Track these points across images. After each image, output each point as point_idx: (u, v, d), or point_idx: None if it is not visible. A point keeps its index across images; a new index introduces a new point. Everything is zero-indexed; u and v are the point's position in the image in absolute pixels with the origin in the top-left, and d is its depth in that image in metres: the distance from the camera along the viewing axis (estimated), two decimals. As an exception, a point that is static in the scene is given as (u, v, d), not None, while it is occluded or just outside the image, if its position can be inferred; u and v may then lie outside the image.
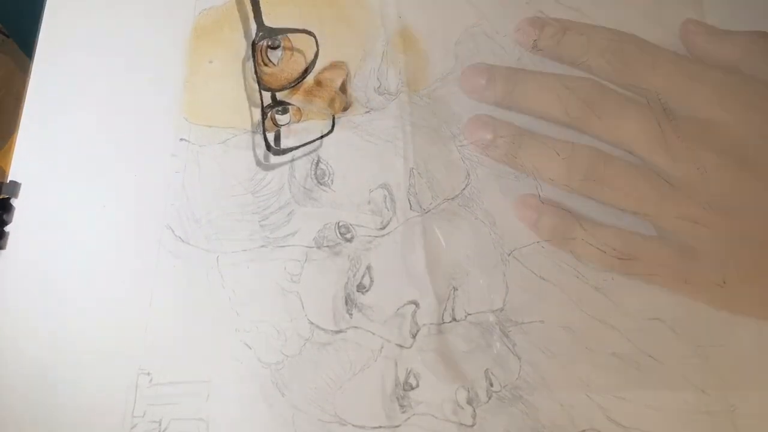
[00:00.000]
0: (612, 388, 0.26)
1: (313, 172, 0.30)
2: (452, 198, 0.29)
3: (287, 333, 0.28)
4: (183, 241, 0.29)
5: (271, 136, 0.31)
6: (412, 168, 0.30)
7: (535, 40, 0.30)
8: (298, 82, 0.31)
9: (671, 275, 0.27)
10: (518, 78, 0.29)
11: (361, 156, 0.30)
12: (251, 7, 0.33)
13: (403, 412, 0.26)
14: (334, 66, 0.32)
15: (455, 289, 0.28)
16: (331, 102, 0.31)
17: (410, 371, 0.27)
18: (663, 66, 0.29)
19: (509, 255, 0.28)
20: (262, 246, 0.29)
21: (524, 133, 0.29)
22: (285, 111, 0.31)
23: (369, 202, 0.29)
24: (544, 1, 0.32)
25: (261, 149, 0.30)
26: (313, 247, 0.29)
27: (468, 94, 0.30)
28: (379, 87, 0.31)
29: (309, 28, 0.32)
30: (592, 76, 0.29)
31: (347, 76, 0.32)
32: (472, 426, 0.26)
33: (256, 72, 0.32)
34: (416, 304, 0.28)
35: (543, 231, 0.28)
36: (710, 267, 0.27)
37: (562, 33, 0.30)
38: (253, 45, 0.32)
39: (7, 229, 0.30)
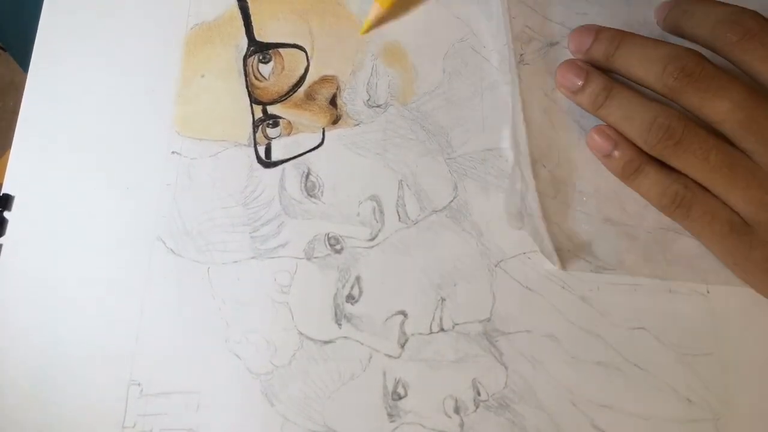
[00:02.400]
0: (598, 397, 0.27)
1: (303, 185, 0.30)
2: (440, 210, 0.30)
3: (277, 343, 0.28)
4: (174, 253, 0.29)
5: (261, 149, 0.31)
6: (401, 180, 0.30)
7: (666, 15, 0.30)
8: (289, 96, 0.32)
9: (718, 242, 0.27)
10: (624, 39, 0.29)
11: (350, 168, 0.31)
12: (243, 23, 0.33)
13: (392, 422, 0.27)
14: (324, 80, 0.32)
15: (443, 299, 0.28)
16: (322, 115, 0.32)
17: (399, 381, 0.27)
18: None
19: (496, 266, 0.29)
20: (253, 257, 0.29)
21: (616, 84, 0.29)
22: (276, 124, 0.31)
23: (358, 214, 0.30)
24: (530, 16, 0.33)
25: (252, 162, 0.31)
26: (302, 259, 0.29)
27: (574, 53, 0.31)
28: (368, 100, 0.32)
29: (300, 43, 0.33)
30: (699, 48, 0.28)
31: (337, 89, 0.32)
32: (460, 435, 0.26)
33: (247, 86, 0.32)
34: (405, 314, 0.28)
35: (614, 163, 0.29)
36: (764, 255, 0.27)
37: (687, 5, 0.29)
38: (245, 59, 0.33)
39: None
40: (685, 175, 0.28)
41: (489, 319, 0.28)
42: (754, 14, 0.27)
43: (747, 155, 0.27)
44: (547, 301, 0.28)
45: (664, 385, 0.27)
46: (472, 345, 0.27)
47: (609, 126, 0.29)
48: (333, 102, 0.32)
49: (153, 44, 0.33)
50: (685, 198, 0.27)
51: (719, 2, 0.28)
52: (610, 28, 0.30)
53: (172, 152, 0.31)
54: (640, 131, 0.28)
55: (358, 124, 0.31)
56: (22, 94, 0.33)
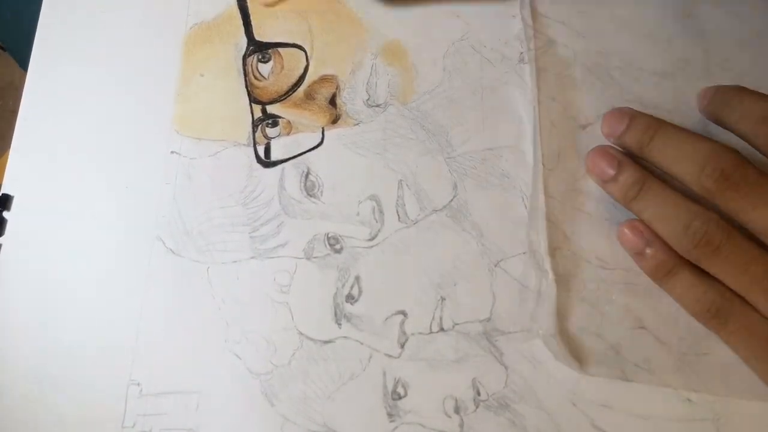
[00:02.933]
0: (598, 396, 0.27)
1: (302, 184, 0.30)
2: (440, 209, 0.30)
3: (277, 343, 0.28)
4: (174, 252, 0.29)
5: (261, 149, 0.31)
6: (401, 180, 0.30)
7: (707, 103, 0.29)
8: (288, 96, 0.32)
9: (756, 358, 0.26)
10: (659, 129, 0.27)
11: (350, 168, 0.31)
12: (242, 22, 0.33)
13: (392, 422, 0.27)
14: (323, 79, 0.32)
15: (443, 299, 0.28)
16: (321, 115, 0.32)
17: (398, 380, 0.27)
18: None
19: (496, 265, 0.29)
20: (252, 257, 0.29)
21: (649, 177, 0.27)
22: (275, 124, 0.31)
23: (358, 214, 0.30)
24: (530, 15, 0.33)
25: (251, 162, 0.31)
26: (302, 258, 0.29)
27: (606, 137, 0.29)
28: (368, 100, 0.32)
29: (299, 43, 0.33)
30: (737, 147, 0.26)
31: (337, 89, 0.32)
32: (460, 435, 0.26)
33: (246, 85, 0.32)
34: (404, 314, 0.28)
35: (646, 262, 0.27)
36: None
37: (731, 96, 0.28)
38: (244, 59, 0.33)
39: (-1, 241, 0.30)
40: (722, 282, 0.26)
41: (489, 319, 0.28)
42: None
43: None
44: (546, 300, 0.28)
45: (665, 385, 0.27)
46: (472, 345, 0.27)
47: (641, 222, 0.28)
48: (332, 101, 0.32)
49: (152, 43, 0.33)
50: (722, 308, 0.26)
51: (763, 96, 0.27)
52: (645, 115, 0.28)
53: (172, 152, 0.31)
54: (675, 233, 0.26)
55: (357, 124, 0.31)
56: (21, 94, 0.33)
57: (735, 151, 0.26)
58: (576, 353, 0.27)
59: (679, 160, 0.26)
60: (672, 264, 0.27)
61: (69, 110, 0.32)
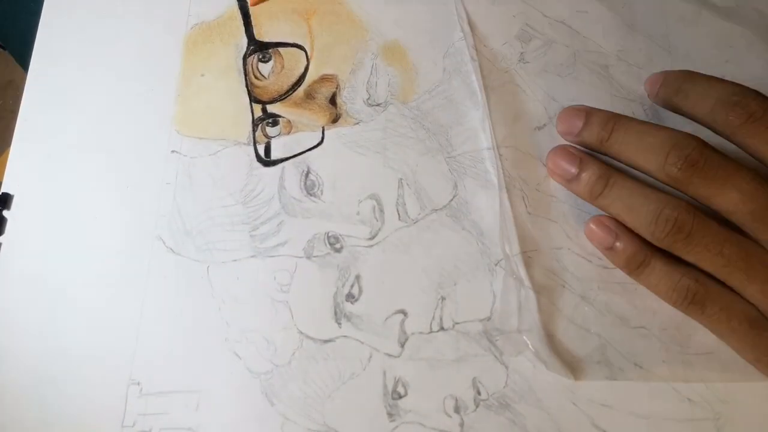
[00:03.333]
0: (598, 396, 0.26)
1: (302, 183, 0.30)
2: (440, 209, 0.30)
3: (277, 342, 0.28)
4: (174, 252, 0.29)
5: (261, 148, 0.31)
6: (401, 179, 0.30)
7: (657, 90, 0.29)
8: (289, 95, 0.32)
9: (738, 339, 0.26)
10: (617, 123, 0.27)
11: (350, 167, 0.30)
12: (242, 22, 0.33)
13: (392, 421, 0.27)
14: (324, 79, 0.32)
15: (443, 298, 0.28)
16: (321, 114, 0.32)
17: (398, 380, 0.27)
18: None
19: (496, 265, 0.29)
20: (252, 256, 0.29)
21: (613, 172, 0.27)
22: (275, 123, 0.31)
23: (358, 213, 0.30)
24: (530, 15, 0.33)
25: (251, 161, 0.31)
26: (302, 257, 0.29)
27: (563, 135, 0.29)
28: (368, 99, 0.32)
29: (299, 42, 0.33)
30: (697, 133, 0.26)
31: (337, 88, 0.32)
32: (460, 434, 0.26)
33: (247, 85, 0.32)
34: (405, 313, 0.28)
35: (616, 257, 0.27)
36: None
37: (683, 81, 0.28)
38: (244, 59, 0.33)
39: (-1, 240, 0.30)
40: (695, 267, 0.26)
41: (489, 318, 0.28)
42: (757, 95, 0.26)
43: (761, 246, 0.25)
44: (548, 300, 0.28)
45: (665, 385, 0.27)
46: (472, 344, 0.27)
47: (608, 217, 0.28)
48: (333, 101, 0.32)
49: (153, 43, 0.33)
50: (698, 293, 0.26)
51: (716, 79, 0.27)
52: (600, 111, 0.28)
53: (172, 151, 0.31)
54: (645, 223, 0.26)
55: (357, 123, 0.31)
56: (21, 93, 0.33)
57: (696, 138, 0.26)
58: (567, 361, 0.27)
59: (642, 151, 0.26)
60: (643, 255, 0.27)
61: (69, 110, 0.32)
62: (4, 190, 0.31)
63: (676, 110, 0.29)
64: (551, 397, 0.26)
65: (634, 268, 0.27)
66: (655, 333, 0.27)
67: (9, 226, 0.30)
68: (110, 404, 0.27)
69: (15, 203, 0.31)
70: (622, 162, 0.28)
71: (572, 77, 0.32)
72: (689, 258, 0.26)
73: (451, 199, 0.30)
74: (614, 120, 0.28)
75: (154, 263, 0.29)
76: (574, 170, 0.28)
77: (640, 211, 0.26)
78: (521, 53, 0.32)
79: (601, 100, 0.31)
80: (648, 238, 0.26)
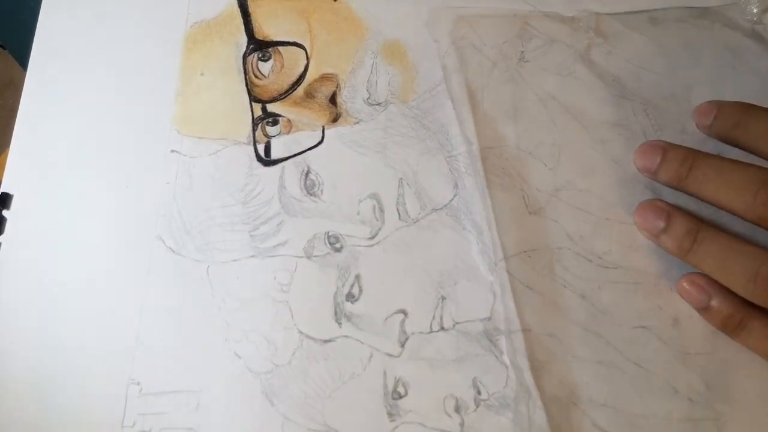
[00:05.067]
0: (598, 396, 0.26)
1: (302, 183, 0.30)
2: (440, 208, 0.30)
3: (277, 342, 0.28)
4: (174, 251, 0.29)
5: (261, 148, 0.31)
6: (401, 178, 0.30)
7: (712, 123, 0.28)
8: (289, 94, 0.32)
9: None
10: (696, 161, 0.26)
11: (350, 166, 0.30)
12: (242, 20, 0.33)
13: (392, 421, 0.26)
14: (324, 78, 0.32)
15: (443, 298, 0.28)
16: (321, 113, 0.31)
17: (399, 380, 0.27)
18: None
19: (496, 265, 0.28)
20: (252, 256, 0.29)
21: (702, 226, 0.26)
22: (275, 122, 0.31)
23: (358, 213, 0.30)
24: (530, 14, 0.33)
25: (251, 160, 0.31)
26: (302, 257, 0.29)
27: (642, 172, 0.29)
28: (368, 98, 0.32)
29: (299, 41, 0.33)
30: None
31: (337, 87, 0.32)
32: (460, 434, 0.26)
33: (246, 84, 0.32)
34: (405, 313, 0.28)
35: (713, 316, 0.26)
36: None
37: (741, 114, 0.27)
38: (244, 57, 0.32)
39: (-1, 240, 0.30)
40: None
41: (489, 318, 0.28)
42: None
43: None
44: (548, 299, 0.28)
45: (665, 384, 0.27)
46: (473, 344, 0.27)
47: (700, 274, 0.26)
48: (333, 100, 0.32)
49: (152, 42, 0.33)
50: None
51: None
52: (678, 147, 0.27)
53: (172, 151, 0.31)
54: (742, 284, 0.24)
55: (358, 122, 0.31)
56: (21, 92, 0.33)
57: None
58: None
59: (726, 191, 0.25)
60: (741, 315, 0.25)
61: (69, 109, 0.32)
62: (4, 190, 0.31)
63: (734, 143, 0.28)
64: (551, 397, 0.26)
65: (732, 329, 0.26)
66: (655, 332, 0.27)
67: (9, 226, 0.30)
68: (110, 404, 0.27)
69: (15, 203, 0.31)
70: (705, 201, 0.27)
71: (573, 77, 0.31)
72: None
73: (452, 199, 0.30)
74: (693, 156, 0.27)
75: (154, 263, 0.29)
76: (661, 224, 0.27)
77: (735, 270, 0.25)
78: (521, 52, 0.32)
79: (602, 98, 0.31)
80: (746, 297, 0.25)
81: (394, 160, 0.30)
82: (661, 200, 0.28)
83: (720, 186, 0.26)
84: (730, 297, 0.26)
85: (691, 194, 0.27)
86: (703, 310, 0.27)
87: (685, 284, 0.27)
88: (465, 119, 0.30)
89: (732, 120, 0.27)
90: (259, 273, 0.29)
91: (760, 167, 0.25)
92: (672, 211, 0.27)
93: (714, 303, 0.26)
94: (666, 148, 0.28)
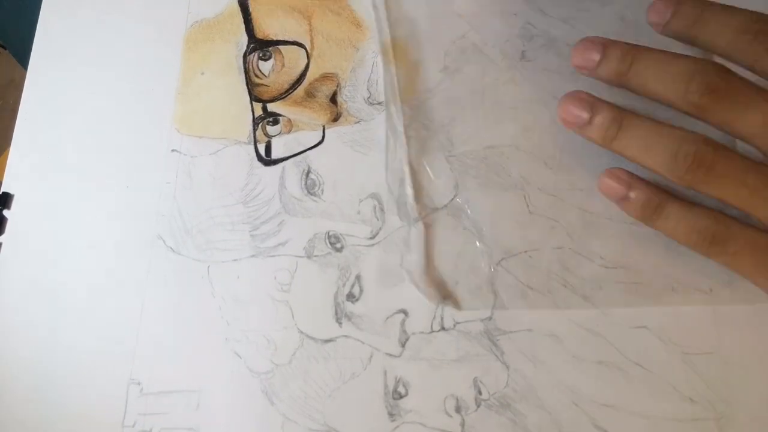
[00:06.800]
0: (599, 396, 0.26)
1: (303, 183, 0.30)
2: (441, 208, 0.30)
3: (277, 342, 0.28)
4: (174, 251, 0.29)
5: (261, 147, 0.31)
6: (402, 178, 0.30)
7: (668, 21, 0.27)
8: (289, 94, 0.32)
9: (766, 274, 0.25)
10: (636, 55, 0.26)
11: (351, 166, 0.30)
12: (243, 20, 0.33)
13: (393, 421, 0.26)
14: (324, 77, 0.32)
15: (444, 298, 0.28)
16: (322, 113, 0.31)
17: (399, 379, 0.27)
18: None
19: (497, 264, 0.28)
20: (253, 256, 0.29)
21: (626, 114, 0.26)
22: (276, 122, 0.31)
23: (359, 212, 0.30)
24: (531, 13, 0.33)
25: (252, 160, 0.31)
26: (303, 257, 0.29)
27: (578, 70, 0.28)
28: (369, 98, 0.32)
29: (300, 40, 0.33)
30: (719, 60, 0.26)
31: (338, 87, 0.32)
32: (461, 434, 0.26)
33: (247, 83, 0.32)
34: (405, 313, 0.28)
35: (632, 206, 0.27)
36: None
37: (700, 11, 0.27)
38: (245, 57, 0.32)
39: (-1, 240, 0.30)
40: (710, 209, 0.26)
41: (490, 318, 0.28)
42: None
43: None
44: (549, 299, 0.28)
45: (666, 385, 0.26)
46: (473, 344, 0.27)
47: (620, 168, 0.27)
48: (333, 99, 0.32)
49: (152, 42, 0.33)
50: (718, 233, 0.25)
51: (734, 9, 0.26)
52: (618, 42, 0.27)
53: (172, 150, 0.31)
54: (664, 161, 0.25)
55: (358, 122, 0.31)
56: (21, 92, 0.33)
57: (718, 64, 0.25)
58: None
59: (663, 81, 0.26)
60: (658, 200, 0.26)
61: (69, 109, 0.32)
62: (4, 189, 0.31)
63: (692, 43, 0.27)
64: (552, 397, 0.26)
65: (650, 214, 0.26)
66: (655, 332, 0.27)
67: (9, 226, 0.30)
68: (111, 404, 0.27)
69: (15, 203, 0.31)
70: (641, 95, 0.27)
71: (573, 76, 0.31)
72: (711, 191, 0.25)
73: (453, 198, 0.30)
74: (633, 52, 0.27)
75: (155, 263, 0.29)
76: (585, 115, 0.27)
77: (658, 150, 0.25)
78: (522, 51, 0.32)
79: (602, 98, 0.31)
80: (668, 176, 0.25)
81: (394, 159, 0.30)
82: (584, 92, 0.28)
83: (658, 78, 0.26)
84: (646, 185, 0.26)
85: (631, 90, 0.27)
86: (623, 201, 0.27)
87: (605, 179, 0.27)
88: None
89: (691, 18, 0.27)
90: (259, 273, 0.29)
91: (696, 58, 0.25)
92: (595, 101, 0.27)
93: (632, 193, 0.26)
94: (606, 44, 0.27)
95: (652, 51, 0.27)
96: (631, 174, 0.27)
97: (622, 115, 0.27)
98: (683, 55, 0.26)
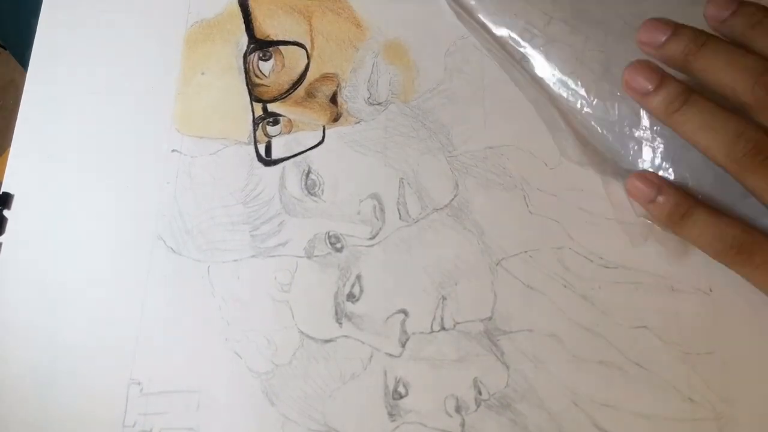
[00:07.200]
0: (600, 396, 0.26)
1: (303, 183, 0.30)
2: (441, 208, 0.30)
3: (277, 342, 0.28)
4: (174, 251, 0.29)
5: (262, 147, 0.31)
6: (402, 178, 0.30)
7: (726, 19, 0.27)
8: (289, 94, 0.32)
9: None
10: (709, 39, 0.26)
11: (351, 166, 0.30)
12: (243, 20, 0.33)
13: (393, 421, 0.26)
14: (324, 77, 0.32)
15: (444, 298, 0.28)
16: (322, 113, 0.31)
17: (399, 380, 0.27)
18: None
19: (497, 264, 0.28)
20: (253, 256, 0.29)
21: (694, 92, 0.26)
22: (276, 122, 0.31)
23: (359, 212, 0.30)
24: (531, 13, 0.33)
25: (252, 160, 0.31)
26: (303, 257, 0.29)
27: (643, 46, 0.28)
28: (369, 98, 0.32)
29: (300, 41, 0.33)
30: None
31: (338, 87, 0.32)
32: (461, 434, 0.26)
33: (247, 84, 0.32)
34: (406, 313, 0.28)
35: (659, 209, 0.27)
36: None
37: (762, 16, 0.26)
38: (245, 57, 0.32)
39: (-1, 240, 0.30)
40: (738, 219, 0.26)
41: (490, 318, 0.28)
42: None
43: None
44: (549, 299, 0.28)
45: (666, 384, 0.26)
46: (474, 344, 0.27)
47: (650, 172, 0.27)
48: (333, 100, 0.32)
49: (153, 42, 0.33)
50: (745, 243, 0.25)
51: None
52: (691, 26, 0.27)
53: (172, 150, 0.31)
54: (724, 141, 0.25)
55: (358, 122, 0.31)
56: (21, 93, 0.33)
57: None
58: None
59: (733, 70, 0.25)
60: (686, 206, 0.26)
61: (69, 109, 0.32)
62: (4, 189, 0.31)
63: (746, 45, 0.27)
64: (552, 397, 0.26)
65: (677, 219, 0.26)
66: (655, 332, 0.27)
67: (9, 226, 0.30)
68: (111, 404, 0.27)
69: (15, 203, 0.31)
70: (704, 81, 0.26)
71: (573, 76, 0.31)
72: (756, 184, 0.25)
73: (452, 199, 0.30)
74: (706, 36, 0.26)
75: (155, 263, 0.29)
76: (650, 86, 0.27)
77: (719, 130, 0.25)
78: (522, 51, 0.32)
79: (602, 98, 0.31)
80: (722, 157, 0.25)
81: (394, 159, 0.30)
82: (654, 62, 0.28)
83: (726, 66, 0.25)
84: (676, 190, 0.27)
85: (694, 73, 0.27)
86: (650, 204, 0.27)
87: (634, 180, 0.27)
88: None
89: (753, 20, 0.27)
90: (259, 273, 0.29)
91: (765, 57, 0.25)
92: (665, 73, 0.27)
93: (661, 198, 0.26)
94: (676, 25, 0.27)
95: (724, 41, 0.26)
96: (661, 177, 0.27)
97: (689, 91, 0.26)
98: (753, 51, 0.26)
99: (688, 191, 0.27)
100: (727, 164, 0.25)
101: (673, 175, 0.28)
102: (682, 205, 0.26)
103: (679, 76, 0.27)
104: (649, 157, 0.28)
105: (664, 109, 0.27)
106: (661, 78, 0.27)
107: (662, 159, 0.28)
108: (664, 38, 0.27)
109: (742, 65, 0.25)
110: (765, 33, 0.26)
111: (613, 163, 0.29)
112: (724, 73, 0.26)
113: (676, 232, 0.27)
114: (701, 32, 0.27)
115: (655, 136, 0.29)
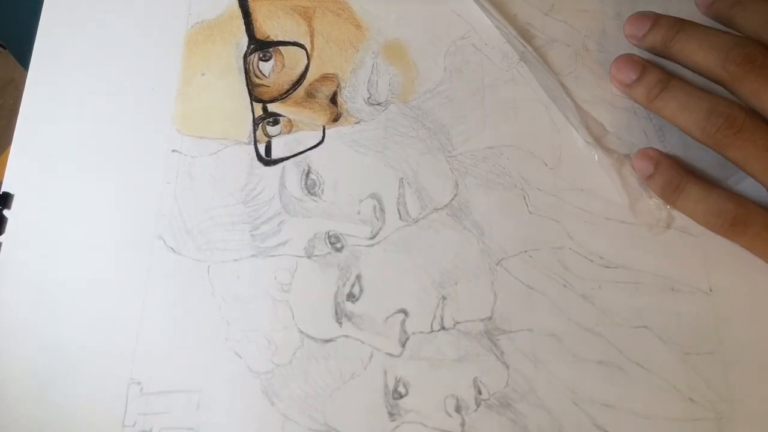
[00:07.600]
0: (599, 396, 0.26)
1: (303, 183, 0.30)
2: (441, 208, 0.30)
3: (277, 342, 0.28)
4: (174, 251, 0.29)
5: (262, 147, 0.31)
6: (402, 178, 0.30)
7: (712, 2, 0.30)
8: (289, 94, 0.32)
9: None
10: (684, 25, 0.28)
11: (351, 166, 0.30)
12: (243, 21, 0.33)
13: (393, 421, 0.26)
14: (324, 78, 0.32)
15: (444, 298, 0.28)
16: (322, 113, 0.31)
17: (399, 379, 0.27)
18: None
19: (497, 264, 0.28)
20: (253, 256, 0.29)
21: (672, 77, 0.29)
22: (276, 122, 0.31)
23: (359, 212, 0.30)
24: (532, 13, 0.33)
25: (252, 160, 0.31)
26: (303, 257, 0.29)
27: (629, 38, 0.31)
28: (369, 98, 0.32)
29: (300, 41, 0.33)
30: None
31: (338, 87, 0.32)
32: (461, 434, 0.26)
33: (247, 84, 0.32)
34: (405, 312, 0.28)
35: (655, 184, 0.28)
36: None
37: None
38: (245, 57, 0.32)
39: (-1, 239, 0.30)
40: (731, 192, 0.27)
41: (490, 318, 0.28)
42: None
43: None
44: (549, 299, 0.28)
45: (666, 384, 0.27)
46: (474, 344, 0.27)
47: (651, 148, 0.29)
48: (333, 100, 0.32)
49: (153, 42, 0.33)
50: (738, 215, 0.26)
51: None
52: (669, 16, 0.29)
53: (173, 150, 0.31)
54: (697, 120, 0.27)
55: (358, 122, 0.31)
56: (22, 92, 0.33)
57: (758, 41, 0.26)
58: None
59: (704, 49, 0.27)
60: (679, 179, 0.27)
61: (70, 109, 0.32)
62: (4, 189, 0.31)
63: (729, 23, 0.29)
64: (552, 397, 0.26)
65: (670, 192, 0.28)
66: (655, 332, 0.27)
67: (9, 226, 0.30)
68: (111, 404, 0.27)
69: (15, 203, 0.31)
70: (683, 63, 0.29)
71: (573, 76, 0.31)
72: (736, 154, 0.26)
73: (452, 199, 0.30)
74: (681, 22, 0.29)
75: (155, 263, 0.29)
76: (634, 76, 0.29)
77: (693, 109, 0.27)
78: (522, 51, 0.32)
79: (603, 98, 0.31)
80: (698, 134, 0.27)
81: (394, 159, 0.30)
82: (637, 55, 0.30)
83: (700, 46, 0.27)
84: (671, 164, 0.28)
85: (673, 57, 0.29)
86: (649, 178, 0.29)
87: (637, 157, 0.29)
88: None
89: (730, 2, 0.29)
90: (259, 272, 0.29)
91: (737, 34, 0.27)
92: (647, 64, 0.30)
93: (656, 172, 0.28)
94: (656, 17, 0.30)
95: (698, 24, 0.28)
96: (659, 152, 0.29)
97: (668, 77, 0.28)
98: (726, 31, 0.27)
99: (688, 166, 0.29)
100: (705, 141, 0.27)
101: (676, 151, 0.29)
102: (675, 178, 0.28)
103: (668, 64, 0.30)
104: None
105: (646, 95, 0.29)
106: (643, 68, 0.29)
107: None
108: (646, 29, 0.30)
109: (713, 43, 0.27)
110: (743, 9, 0.28)
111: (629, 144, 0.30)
112: (697, 53, 0.28)
113: (672, 206, 0.28)
114: (678, 20, 0.29)
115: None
